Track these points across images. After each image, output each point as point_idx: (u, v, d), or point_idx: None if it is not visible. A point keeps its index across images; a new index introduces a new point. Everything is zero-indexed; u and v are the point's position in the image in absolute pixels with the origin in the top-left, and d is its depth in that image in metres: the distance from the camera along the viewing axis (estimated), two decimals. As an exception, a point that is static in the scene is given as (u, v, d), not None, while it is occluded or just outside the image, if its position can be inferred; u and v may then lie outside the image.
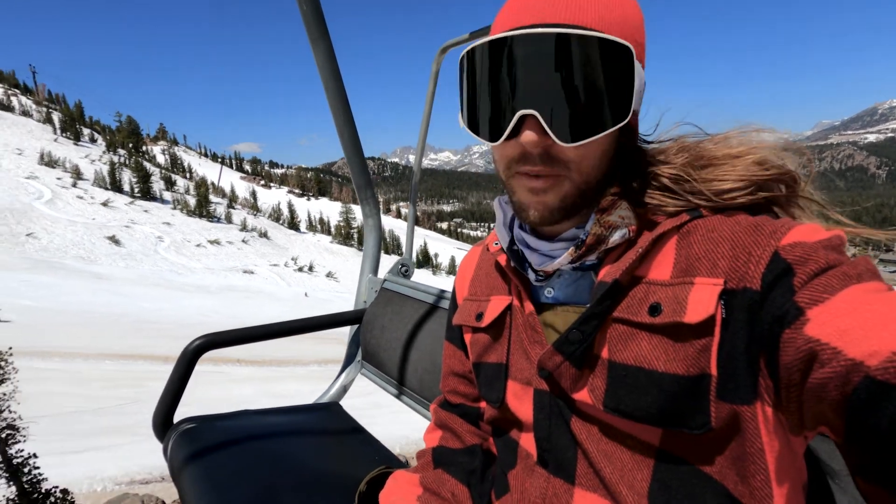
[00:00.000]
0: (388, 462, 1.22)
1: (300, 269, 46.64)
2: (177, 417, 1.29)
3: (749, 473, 0.46)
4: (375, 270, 1.73)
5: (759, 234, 0.46)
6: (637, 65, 0.49)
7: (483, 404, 0.74)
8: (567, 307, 0.58)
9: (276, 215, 65.18)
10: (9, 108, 61.56)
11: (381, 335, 1.50)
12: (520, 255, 0.61)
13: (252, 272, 40.76)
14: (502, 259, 0.64)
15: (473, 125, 0.54)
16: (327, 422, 1.43)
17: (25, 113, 62.69)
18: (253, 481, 1.05)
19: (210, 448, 1.16)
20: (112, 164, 50.11)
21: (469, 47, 0.52)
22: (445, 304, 1.34)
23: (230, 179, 79.50)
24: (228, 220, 54.34)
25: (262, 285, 35.41)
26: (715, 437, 0.47)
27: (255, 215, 62.52)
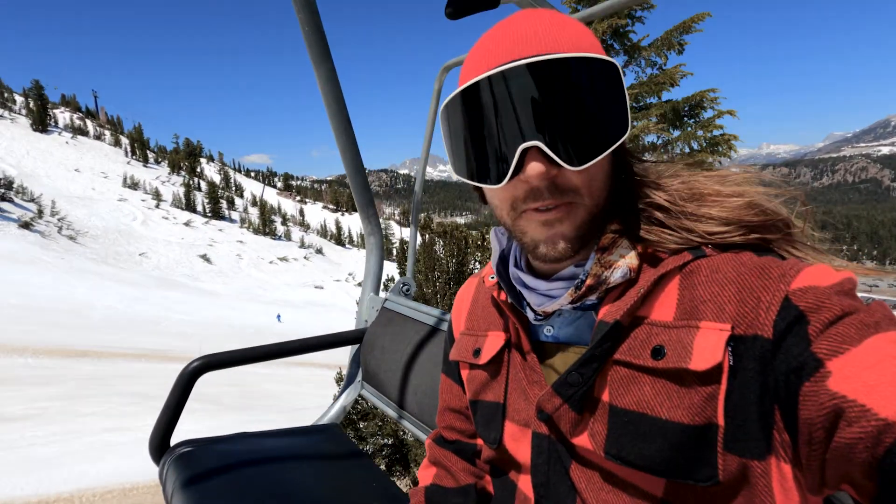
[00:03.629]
0: (385, 487, 1.20)
1: (359, 285, 50.70)
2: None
3: None
4: (377, 289, 1.70)
5: (766, 278, 0.44)
6: (623, 79, 0.48)
7: (480, 441, 0.73)
8: (567, 347, 0.57)
9: (322, 231, 69.04)
10: (84, 132, 66.39)
11: (382, 356, 1.47)
12: (517, 291, 0.59)
13: (322, 287, 44.49)
14: (498, 294, 0.62)
15: (471, 173, 0.52)
16: (326, 444, 1.40)
17: (98, 137, 67.46)
18: None
19: (206, 471, 1.13)
20: (188, 186, 54.40)
21: (452, 96, 0.51)
22: (446, 325, 1.25)
23: (267, 196, 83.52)
24: (287, 237, 58.23)
25: (334, 299, 39.06)
26: (722, 491, 0.45)
27: (305, 232, 66.44)
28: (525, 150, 0.47)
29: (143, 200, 51.13)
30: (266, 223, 56.14)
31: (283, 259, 51.94)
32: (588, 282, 0.51)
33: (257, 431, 1.39)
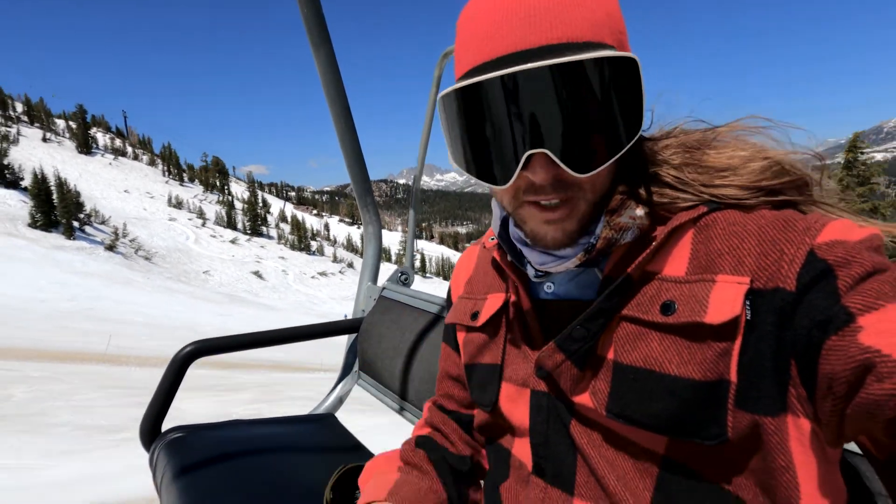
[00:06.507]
0: None
1: None
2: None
3: (773, 489, 0.42)
4: (375, 279, 1.68)
5: (790, 231, 0.43)
6: (642, 75, 0.44)
7: (477, 411, 0.69)
8: (568, 304, 0.55)
9: (348, 245, 71.51)
10: (123, 153, 69.01)
11: (379, 344, 1.45)
12: (517, 249, 0.57)
13: (363, 300, 47.11)
14: (499, 255, 0.60)
15: (472, 170, 0.49)
16: (321, 434, 1.37)
17: (135, 157, 70.08)
18: (239, 494, 1.01)
19: (197, 459, 1.11)
20: (229, 205, 57.05)
21: (448, 91, 0.47)
22: (445, 312, 1.19)
23: (285, 209, 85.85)
24: (321, 252, 60.81)
25: (376, 312, 41.70)
26: (729, 449, 0.43)
27: (333, 246, 68.98)
28: (530, 155, 0.44)
29: (189, 220, 53.68)
30: (301, 239, 58.79)
31: (323, 274, 54.56)
32: (599, 245, 0.49)
33: (250, 419, 1.38)
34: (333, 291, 51.65)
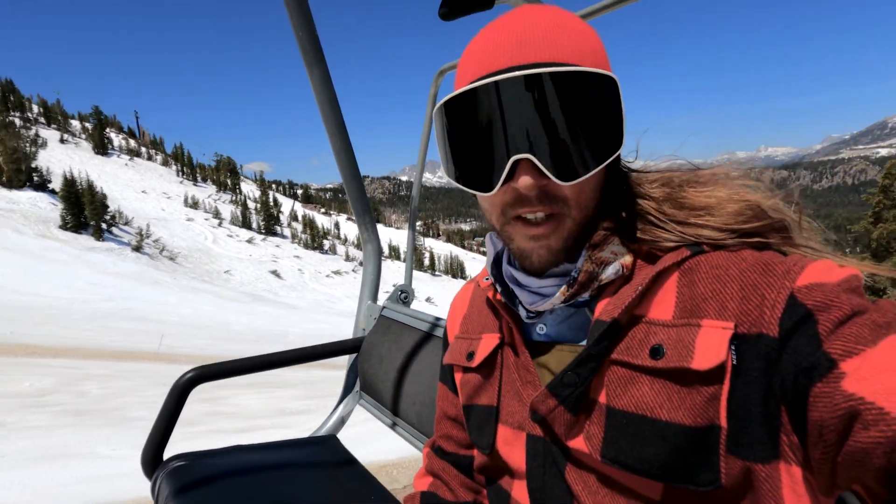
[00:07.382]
0: (384, 500, 1.17)
1: (403, 299, 55.24)
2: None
3: None
4: (375, 297, 1.69)
5: (770, 275, 0.43)
6: (621, 94, 0.48)
7: (476, 452, 0.70)
8: (561, 345, 0.56)
9: (358, 244, 72.18)
10: (138, 153, 69.84)
11: (380, 365, 1.45)
12: (510, 290, 0.58)
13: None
14: (493, 294, 0.61)
15: (462, 178, 0.52)
16: (324, 457, 1.38)
17: (149, 158, 70.92)
18: None
19: (200, 487, 1.11)
20: (244, 205, 57.94)
21: (446, 99, 0.50)
22: (443, 333, 1.22)
23: (295, 207, 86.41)
24: (333, 251, 61.63)
25: (391, 311, 42.51)
26: (724, 495, 0.43)
27: (344, 245, 69.81)
28: (516, 161, 0.47)
29: (205, 220, 54.41)
30: (314, 238, 59.67)
31: (337, 272, 55.32)
32: (580, 279, 0.51)
33: (253, 444, 1.38)
34: (348, 290, 52.54)
